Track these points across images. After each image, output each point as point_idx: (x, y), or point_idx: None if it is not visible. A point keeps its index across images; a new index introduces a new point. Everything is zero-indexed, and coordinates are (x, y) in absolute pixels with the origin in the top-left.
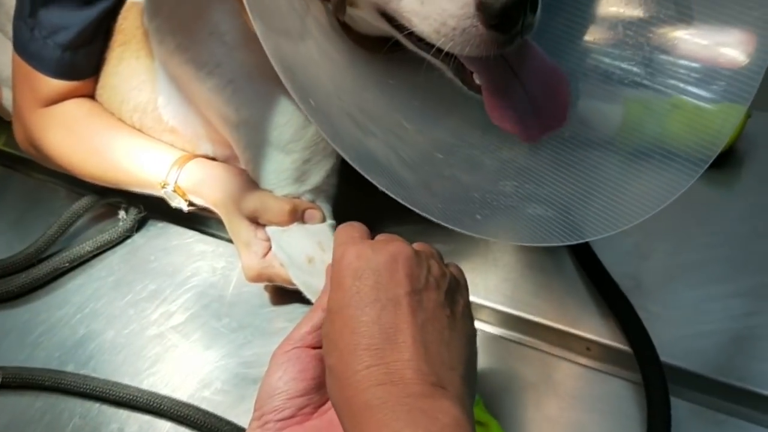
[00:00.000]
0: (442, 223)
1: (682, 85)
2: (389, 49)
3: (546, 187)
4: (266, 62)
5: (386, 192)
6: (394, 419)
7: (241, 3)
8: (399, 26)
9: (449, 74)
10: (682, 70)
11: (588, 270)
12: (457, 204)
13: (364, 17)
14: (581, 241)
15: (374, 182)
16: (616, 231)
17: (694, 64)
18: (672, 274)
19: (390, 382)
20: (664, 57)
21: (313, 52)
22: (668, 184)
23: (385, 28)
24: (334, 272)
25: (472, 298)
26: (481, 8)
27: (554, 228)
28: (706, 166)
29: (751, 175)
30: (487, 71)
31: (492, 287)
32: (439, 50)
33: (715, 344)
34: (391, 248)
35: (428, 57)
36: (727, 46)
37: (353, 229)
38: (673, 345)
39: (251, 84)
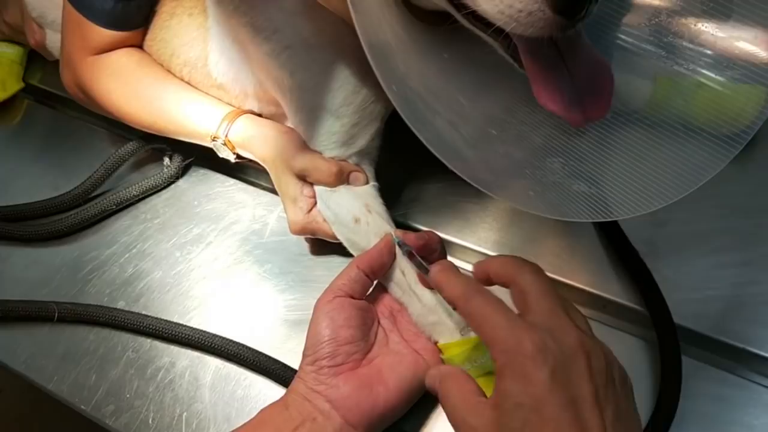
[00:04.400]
0: (501, 199)
1: (703, 69)
2: (444, 21)
3: (588, 165)
4: (323, 29)
5: (461, 175)
6: None
7: None
8: (457, 5)
9: (501, 52)
10: (702, 57)
11: (609, 235)
12: (512, 180)
13: None
14: (614, 219)
15: (451, 166)
16: (647, 211)
17: (708, 51)
18: (685, 242)
19: None
20: (687, 44)
21: (387, 32)
22: (699, 165)
23: (443, 5)
24: (515, 361)
25: (495, 255)
26: None
27: (595, 205)
28: (739, 149)
29: (764, 154)
30: (537, 53)
31: (518, 248)
32: (496, 29)
33: (721, 308)
34: (569, 340)
35: (483, 35)
36: (747, 41)
37: (498, 304)
38: (682, 307)
39: (307, 50)
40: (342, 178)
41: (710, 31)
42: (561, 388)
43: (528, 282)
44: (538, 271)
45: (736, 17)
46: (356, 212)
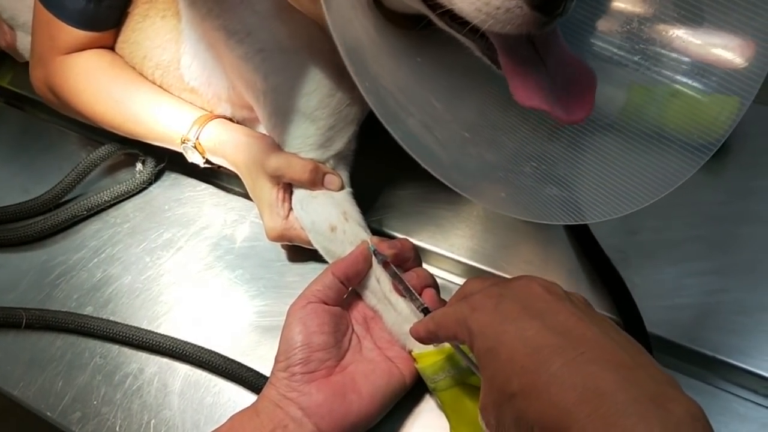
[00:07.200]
0: (473, 200)
1: (677, 76)
2: (417, 24)
3: (560, 169)
4: (296, 32)
5: (434, 174)
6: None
7: None
8: (432, 5)
9: (478, 53)
10: (676, 64)
11: (581, 242)
12: (484, 182)
13: None
14: (585, 223)
15: (424, 165)
16: (618, 215)
17: (685, 59)
18: (656, 250)
19: (592, 361)
20: (660, 50)
21: (359, 31)
22: (669, 172)
23: (417, 6)
24: (470, 318)
25: (468, 261)
26: None
27: (567, 208)
28: (707, 157)
29: (736, 164)
30: (514, 52)
31: (490, 255)
32: (471, 29)
33: (690, 316)
34: (515, 282)
35: (459, 36)
36: (720, 48)
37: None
38: (653, 315)
39: (281, 53)
40: (317, 177)
41: (682, 37)
42: (518, 310)
43: (466, 285)
44: (474, 277)
45: (707, 24)
46: (333, 220)
